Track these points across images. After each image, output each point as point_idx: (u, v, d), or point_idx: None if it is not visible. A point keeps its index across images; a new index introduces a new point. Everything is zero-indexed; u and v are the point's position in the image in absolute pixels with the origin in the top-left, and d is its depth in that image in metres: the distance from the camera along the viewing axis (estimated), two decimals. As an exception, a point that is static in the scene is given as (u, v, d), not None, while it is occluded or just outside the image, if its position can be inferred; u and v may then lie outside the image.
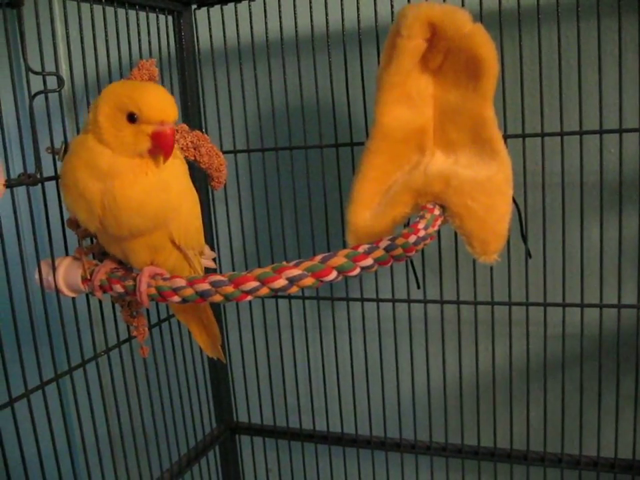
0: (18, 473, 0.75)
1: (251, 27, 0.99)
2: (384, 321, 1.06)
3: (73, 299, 0.81)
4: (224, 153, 0.88)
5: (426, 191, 0.80)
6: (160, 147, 0.68)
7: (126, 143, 0.68)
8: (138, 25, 0.93)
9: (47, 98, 0.76)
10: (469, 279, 0.98)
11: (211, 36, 1.02)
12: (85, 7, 0.84)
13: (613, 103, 0.89)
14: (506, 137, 0.87)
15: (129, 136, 0.67)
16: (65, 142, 0.77)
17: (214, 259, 0.93)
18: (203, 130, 1.07)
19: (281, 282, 0.67)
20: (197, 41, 1.06)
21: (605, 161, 0.90)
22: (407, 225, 0.86)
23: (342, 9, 0.94)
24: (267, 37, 0.98)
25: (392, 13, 0.91)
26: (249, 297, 0.69)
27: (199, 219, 0.82)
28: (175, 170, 0.74)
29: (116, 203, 0.68)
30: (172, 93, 0.98)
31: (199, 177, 0.94)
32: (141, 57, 0.91)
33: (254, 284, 0.68)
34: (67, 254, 0.81)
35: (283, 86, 1.00)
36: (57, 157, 0.77)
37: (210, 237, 1.10)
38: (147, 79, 0.80)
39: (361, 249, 0.67)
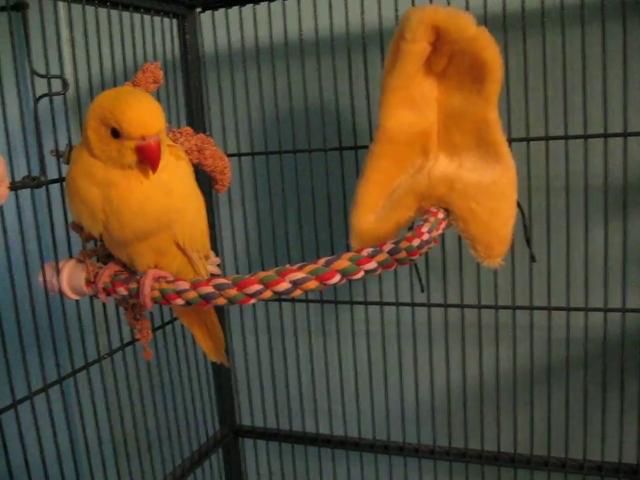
0: (21, 476, 0.75)
1: (255, 31, 0.99)
2: (387, 324, 1.05)
3: (77, 301, 0.82)
4: (228, 155, 0.88)
5: (430, 194, 0.80)
6: (145, 161, 0.67)
7: (113, 157, 0.68)
8: (142, 28, 0.93)
9: (51, 101, 0.76)
10: (473, 282, 0.98)
11: (215, 39, 1.03)
12: (90, 10, 0.84)
13: (618, 107, 0.89)
14: (510, 141, 0.87)
15: (114, 151, 0.67)
16: (70, 145, 0.77)
17: (218, 265, 0.93)
18: (207, 133, 1.06)
19: (284, 285, 0.67)
20: (202, 44, 1.06)
21: (609, 165, 0.90)
22: (410, 228, 0.86)
23: (346, 12, 0.94)
24: (271, 40, 0.98)
25: (396, 16, 0.91)
26: (253, 300, 0.69)
27: (204, 222, 0.82)
28: (179, 172, 0.74)
29: (117, 208, 0.68)
30: (176, 96, 0.99)
31: (203, 179, 0.94)
32: (145, 60, 0.91)
33: (257, 287, 0.68)
34: (70, 256, 0.81)
35: (287, 89, 1.00)
36: (61, 159, 0.78)
37: (214, 240, 1.09)
38: (151, 82, 0.80)
39: (364, 252, 0.67)
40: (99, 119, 0.67)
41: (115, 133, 0.66)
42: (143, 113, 0.67)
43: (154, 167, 0.68)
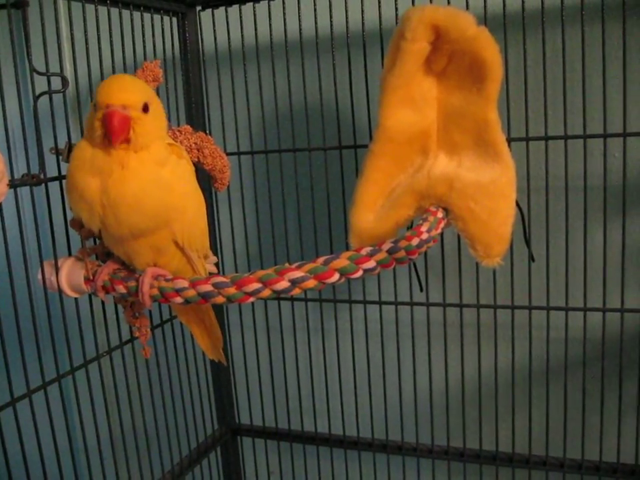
0: (19, 473, 0.75)
1: (255, 29, 0.99)
2: (386, 323, 1.05)
3: (76, 299, 0.82)
4: (227, 154, 0.88)
5: (429, 193, 0.80)
6: (105, 130, 0.67)
7: (90, 131, 0.69)
8: (142, 26, 0.93)
9: (51, 98, 0.76)
10: (472, 282, 0.98)
11: (215, 37, 1.02)
12: (90, 8, 0.84)
13: (617, 107, 0.89)
14: (510, 140, 0.87)
15: (90, 124, 0.69)
16: (69, 142, 0.77)
17: (216, 263, 0.93)
18: (207, 131, 1.07)
19: (283, 284, 0.67)
20: (201, 42, 1.06)
21: (608, 165, 0.90)
22: (410, 227, 0.86)
23: (346, 11, 0.94)
24: (271, 38, 0.98)
25: (396, 15, 0.91)
26: (251, 299, 0.69)
27: (204, 221, 0.82)
28: (179, 170, 0.74)
29: (114, 201, 0.68)
30: (176, 94, 0.99)
31: (202, 178, 0.94)
32: (145, 58, 0.91)
33: (256, 285, 0.68)
34: (70, 255, 0.81)
35: (287, 88, 1.00)
36: (60, 157, 0.78)
37: (213, 239, 1.10)
38: (151, 80, 0.80)
39: (363, 251, 0.67)
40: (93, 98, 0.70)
41: (94, 106, 0.68)
42: (115, 85, 0.69)
43: (112, 137, 0.67)
